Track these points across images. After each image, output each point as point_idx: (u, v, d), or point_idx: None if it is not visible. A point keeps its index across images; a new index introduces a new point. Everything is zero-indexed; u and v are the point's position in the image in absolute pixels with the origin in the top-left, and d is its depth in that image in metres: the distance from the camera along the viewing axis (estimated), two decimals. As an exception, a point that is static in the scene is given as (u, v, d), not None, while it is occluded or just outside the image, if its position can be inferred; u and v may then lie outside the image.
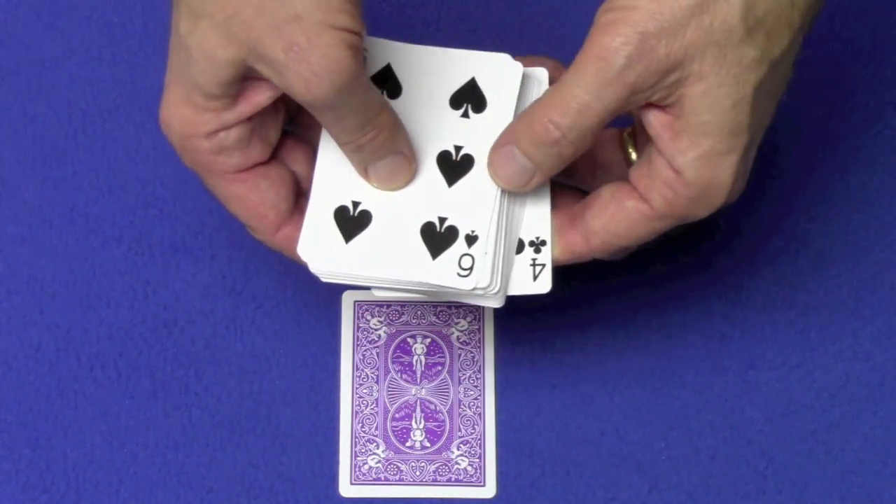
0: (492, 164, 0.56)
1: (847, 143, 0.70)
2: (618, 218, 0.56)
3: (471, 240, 0.56)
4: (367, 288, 0.58)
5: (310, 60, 0.50)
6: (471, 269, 0.56)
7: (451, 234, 0.57)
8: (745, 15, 0.52)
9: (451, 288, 0.56)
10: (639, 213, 0.56)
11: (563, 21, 0.71)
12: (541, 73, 0.58)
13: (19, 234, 0.69)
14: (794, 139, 0.70)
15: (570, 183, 0.60)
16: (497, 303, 0.57)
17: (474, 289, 0.56)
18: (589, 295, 0.68)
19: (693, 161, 0.53)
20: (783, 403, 0.68)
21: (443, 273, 0.56)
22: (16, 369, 0.68)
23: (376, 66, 0.57)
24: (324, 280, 0.57)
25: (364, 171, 0.56)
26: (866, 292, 0.69)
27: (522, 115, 0.56)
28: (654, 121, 0.54)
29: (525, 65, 0.59)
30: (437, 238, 0.57)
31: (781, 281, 0.69)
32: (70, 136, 0.70)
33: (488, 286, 0.56)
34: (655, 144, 0.54)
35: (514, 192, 0.57)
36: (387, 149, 0.55)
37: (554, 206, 0.59)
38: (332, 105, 0.52)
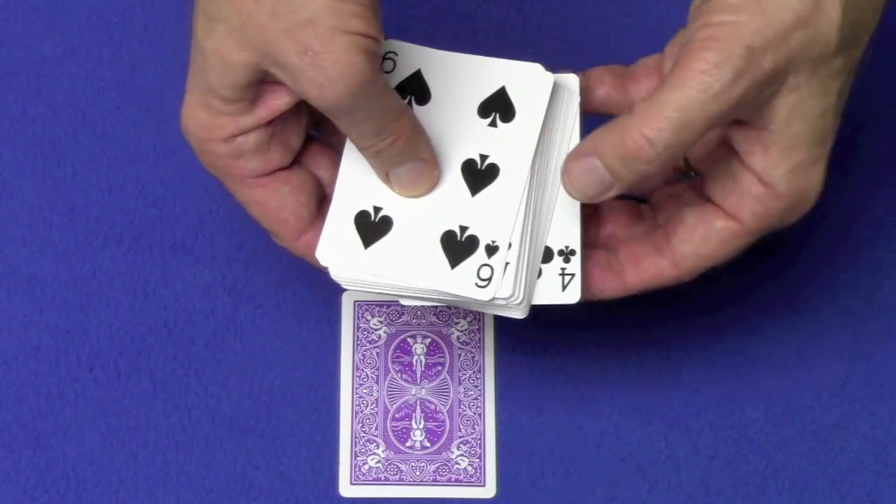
0: (568, 172, 0.55)
1: (847, 143, 0.70)
2: (708, 239, 0.55)
3: (491, 250, 0.56)
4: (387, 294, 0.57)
5: (323, 65, 0.50)
6: (489, 279, 0.56)
7: (472, 243, 0.56)
8: (841, 26, 0.51)
9: (469, 298, 0.56)
10: (728, 233, 0.55)
11: (563, 21, 0.71)
12: (572, 83, 0.58)
13: (19, 234, 0.69)
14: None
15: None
16: (521, 314, 0.57)
17: (493, 299, 0.56)
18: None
19: (786, 174, 0.53)
20: (783, 403, 0.68)
21: (460, 283, 0.56)
22: (16, 369, 0.68)
23: (406, 72, 0.57)
24: (346, 287, 0.57)
25: (386, 176, 0.56)
26: (866, 292, 0.69)
27: (610, 127, 0.53)
28: (742, 137, 0.53)
29: (590, 76, 0.58)
30: (457, 247, 0.56)
31: (781, 281, 0.69)
32: (70, 136, 0.70)
33: (511, 297, 0.56)
34: (744, 160, 0.54)
35: (543, 202, 0.57)
36: (407, 155, 0.55)
37: (627, 232, 0.58)
38: (346, 109, 0.52)
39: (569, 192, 0.55)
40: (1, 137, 0.70)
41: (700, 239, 0.56)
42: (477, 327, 0.68)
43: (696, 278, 0.69)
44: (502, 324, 0.68)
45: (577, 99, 0.58)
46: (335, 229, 0.57)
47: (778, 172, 0.53)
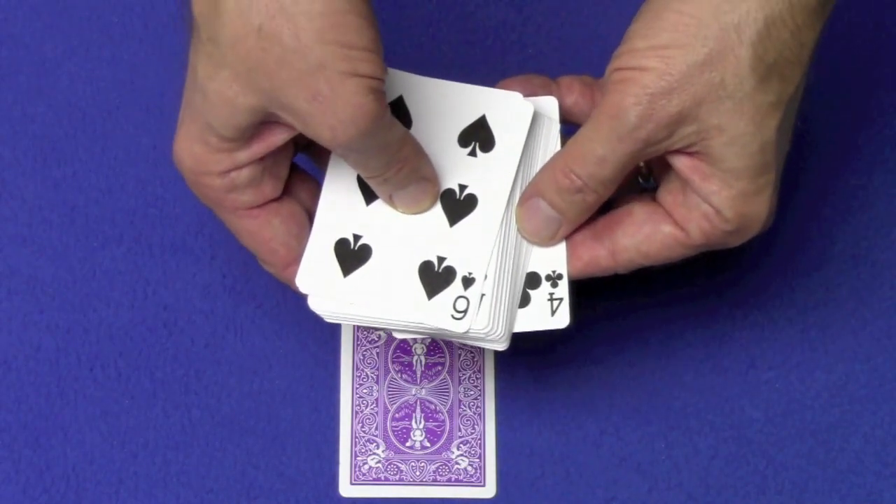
0: (519, 218, 0.57)
1: (847, 143, 0.70)
2: (652, 240, 0.57)
3: (467, 282, 0.56)
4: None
5: (334, 109, 0.50)
6: (465, 311, 0.56)
7: (449, 274, 0.56)
8: (755, 65, 0.53)
9: (444, 330, 0.56)
10: (674, 240, 0.57)
11: (564, 21, 0.71)
12: (551, 108, 0.58)
13: (19, 234, 0.69)
14: (793, 140, 0.70)
15: None
16: (501, 346, 0.57)
17: (468, 331, 0.56)
18: (589, 295, 0.68)
19: (728, 200, 0.55)
20: (783, 403, 0.68)
21: (437, 314, 0.56)
22: (16, 369, 0.68)
23: (388, 97, 0.57)
24: (328, 321, 0.57)
25: (389, 198, 0.57)
26: (866, 292, 0.69)
27: (544, 168, 0.57)
28: (682, 165, 0.55)
29: (561, 83, 0.58)
30: (434, 278, 0.56)
31: (781, 281, 0.69)
32: (70, 136, 0.70)
33: (487, 329, 0.56)
34: (689, 185, 0.55)
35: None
36: (410, 178, 0.56)
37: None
38: (356, 148, 0.52)
39: (525, 237, 0.58)
40: (1, 137, 0.70)
41: (644, 237, 0.57)
42: (477, 327, 0.68)
43: (697, 278, 0.69)
44: (502, 324, 0.68)
45: (557, 126, 0.58)
46: (315, 257, 0.57)
47: (720, 198, 0.55)
